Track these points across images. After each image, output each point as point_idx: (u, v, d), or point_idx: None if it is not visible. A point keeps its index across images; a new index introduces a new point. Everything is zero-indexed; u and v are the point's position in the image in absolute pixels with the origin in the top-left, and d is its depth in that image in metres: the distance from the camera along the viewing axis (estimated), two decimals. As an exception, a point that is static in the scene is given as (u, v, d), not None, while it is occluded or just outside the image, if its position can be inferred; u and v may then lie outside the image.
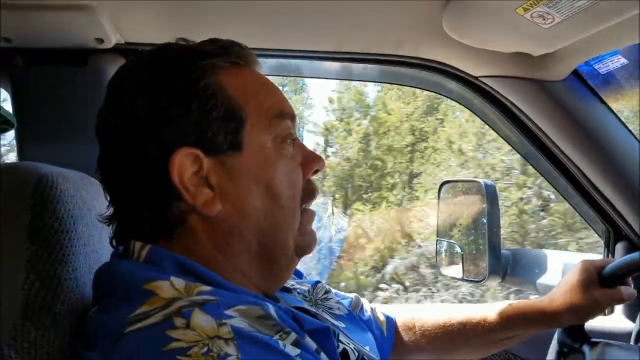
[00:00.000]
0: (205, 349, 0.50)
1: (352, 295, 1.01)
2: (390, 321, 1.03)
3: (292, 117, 0.72)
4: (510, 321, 1.00)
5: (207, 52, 0.67)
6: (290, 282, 0.87)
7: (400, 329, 1.04)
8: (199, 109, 0.64)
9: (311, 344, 0.61)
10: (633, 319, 1.30)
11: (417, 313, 1.06)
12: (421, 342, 1.02)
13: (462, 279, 1.52)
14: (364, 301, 1.02)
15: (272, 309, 0.60)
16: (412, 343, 1.02)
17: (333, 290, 0.98)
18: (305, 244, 0.73)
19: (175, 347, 0.50)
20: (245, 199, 0.66)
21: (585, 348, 0.99)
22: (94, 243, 0.75)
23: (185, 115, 0.63)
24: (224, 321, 0.54)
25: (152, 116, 0.63)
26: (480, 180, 1.42)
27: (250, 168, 0.66)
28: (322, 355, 0.62)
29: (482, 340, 1.02)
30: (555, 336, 1.05)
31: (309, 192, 0.74)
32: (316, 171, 0.75)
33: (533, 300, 1.03)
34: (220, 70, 0.67)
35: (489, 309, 1.02)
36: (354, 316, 0.91)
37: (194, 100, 0.64)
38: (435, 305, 1.08)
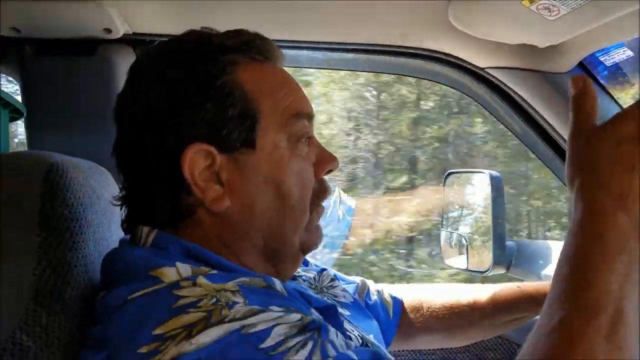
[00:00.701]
0: (214, 299, 0.52)
1: (358, 279, 1.02)
2: (397, 303, 1.03)
3: (309, 117, 0.72)
4: (518, 303, 1.01)
5: (228, 46, 0.67)
6: (297, 270, 0.88)
7: (407, 310, 1.04)
8: (215, 106, 0.64)
9: (317, 315, 0.62)
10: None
11: (424, 294, 1.06)
12: (429, 322, 1.03)
13: (466, 270, 1.52)
14: (371, 284, 1.03)
15: (278, 284, 0.61)
16: (419, 324, 1.03)
17: (339, 274, 0.98)
18: (311, 241, 0.74)
19: (185, 303, 0.52)
20: (254, 197, 0.66)
21: None
22: (103, 230, 0.77)
23: (201, 112, 0.64)
24: (229, 282, 0.56)
25: (169, 109, 0.63)
26: (485, 171, 1.42)
27: (262, 167, 0.66)
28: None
29: (489, 322, 1.03)
30: None
31: (321, 193, 0.74)
32: (329, 171, 0.75)
33: (542, 283, 1.03)
34: (239, 66, 0.66)
35: (497, 291, 1.02)
36: (359, 304, 0.92)
37: (210, 97, 0.64)
38: (443, 285, 1.09)
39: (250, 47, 0.68)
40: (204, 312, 0.51)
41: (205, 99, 0.64)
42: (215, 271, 0.60)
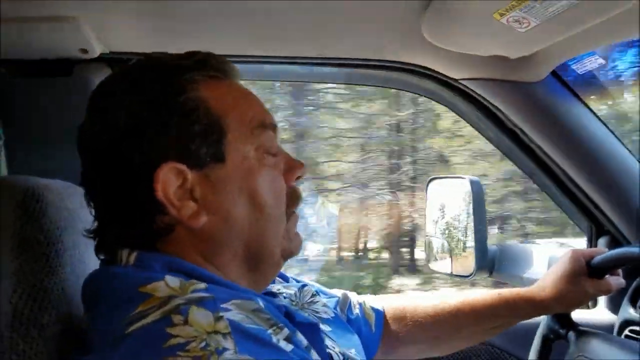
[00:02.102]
0: (203, 343, 0.52)
1: (340, 292, 1.02)
2: (379, 315, 1.03)
3: (273, 127, 0.73)
4: (499, 310, 1.02)
5: (184, 66, 0.68)
6: (277, 287, 0.89)
7: (390, 321, 1.04)
8: (181, 124, 0.64)
9: (302, 340, 0.63)
10: (615, 312, 1.32)
11: (407, 304, 1.07)
12: (413, 332, 1.03)
13: (450, 274, 1.54)
14: (353, 296, 1.03)
15: (262, 304, 0.62)
16: (403, 334, 1.03)
17: (320, 288, 0.99)
18: (291, 247, 0.75)
19: (175, 343, 0.52)
20: (229, 209, 0.67)
21: (571, 335, 1.01)
22: (81, 253, 0.76)
23: (167, 131, 0.64)
24: (220, 314, 0.55)
25: (135, 132, 0.64)
26: (466, 176, 1.43)
27: (233, 179, 0.67)
28: (312, 352, 0.64)
29: (473, 329, 1.04)
30: (542, 322, 1.08)
31: (294, 198, 0.75)
32: (299, 177, 0.77)
33: (522, 289, 1.04)
34: (199, 84, 0.67)
35: (479, 298, 1.03)
36: (340, 319, 0.92)
37: (174, 115, 0.64)
38: (426, 295, 1.09)
39: (206, 65, 0.69)
40: (192, 358, 0.51)
41: (169, 118, 0.64)
42: (203, 285, 0.60)
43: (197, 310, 0.55)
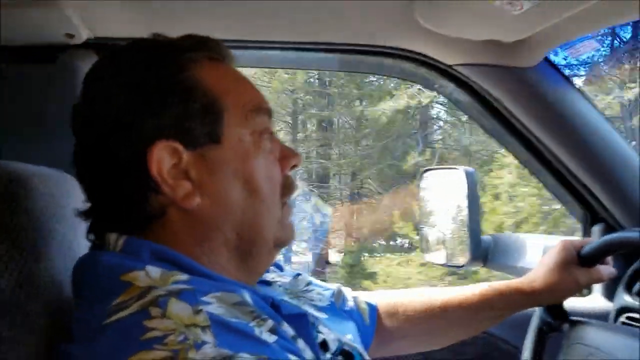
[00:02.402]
0: (182, 336, 0.51)
1: (334, 286, 1.02)
2: (372, 309, 1.03)
3: (269, 112, 0.73)
4: (490, 302, 1.01)
5: (183, 46, 0.68)
6: (271, 276, 0.88)
7: (383, 316, 1.04)
8: (177, 102, 0.64)
9: (288, 330, 0.62)
10: (611, 299, 1.32)
11: (399, 299, 1.07)
12: (405, 327, 1.03)
13: (445, 265, 1.54)
14: (346, 291, 1.02)
15: (248, 296, 0.61)
16: (395, 329, 1.03)
17: (314, 281, 0.98)
18: (284, 236, 0.74)
19: (152, 337, 0.51)
20: (224, 192, 0.66)
21: (565, 326, 1.00)
22: (69, 240, 0.75)
23: (163, 109, 0.64)
24: (200, 308, 0.54)
25: (131, 111, 0.63)
26: (460, 167, 1.43)
27: (229, 161, 0.67)
28: (300, 341, 0.63)
29: (463, 322, 1.04)
30: (534, 315, 1.07)
31: (288, 187, 0.75)
32: (294, 166, 0.76)
33: (513, 280, 1.04)
34: (197, 64, 0.67)
35: (469, 291, 1.03)
36: (335, 307, 0.92)
37: (171, 94, 0.64)
38: (416, 290, 1.09)
39: (205, 47, 0.70)
40: (170, 351, 0.50)
41: (166, 96, 0.64)
42: (185, 276, 0.59)
43: (176, 302, 0.54)
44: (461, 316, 1.02)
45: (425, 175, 1.57)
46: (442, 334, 1.06)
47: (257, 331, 0.56)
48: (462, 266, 1.46)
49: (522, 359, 1.06)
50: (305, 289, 0.90)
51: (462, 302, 1.02)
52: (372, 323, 1.01)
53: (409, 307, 1.04)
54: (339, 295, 0.99)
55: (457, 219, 1.48)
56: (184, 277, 0.59)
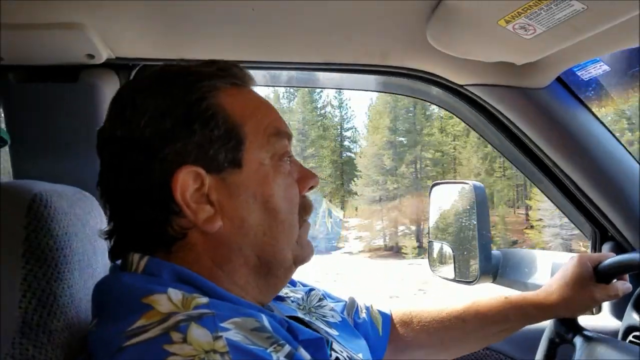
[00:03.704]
0: None
1: (347, 298, 1.03)
2: (386, 318, 1.04)
3: (288, 136, 0.75)
4: (506, 314, 1.02)
5: (206, 73, 0.70)
6: (284, 291, 0.89)
7: (397, 325, 1.05)
8: (201, 128, 0.66)
9: (305, 355, 0.63)
10: (620, 318, 1.32)
11: (414, 308, 1.07)
12: (419, 336, 1.04)
13: (454, 280, 1.54)
14: (359, 301, 1.03)
15: (266, 321, 0.62)
16: (410, 338, 1.04)
17: (327, 292, 0.99)
18: (303, 255, 0.76)
19: None
20: (245, 215, 0.68)
21: (577, 340, 1.00)
22: (89, 258, 0.77)
23: (187, 135, 0.66)
24: (219, 334, 0.55)
25: (156, 136, 0.65)
26: (469, 182, 1.44)
27: (249, 185, 0.69)
28: None
29: (479, 334, 1.05)
30: (548, 325, 1.07)
31: (305, 207, 0.77)
32: (311, 187, 0.78)
33: (529, 293, 1.05)
34: (219, 91, 0.69)
35: (486, 303, 1.04)
36: (348, 323, 0.93)
37: (195, 120, 0.66)
38: (432, 299, 1.09)
39: (227, 73, 0.72)
40: None
41: (190, 123, 0.66)
42: (205, 299, 0.60)
43: (196, 327, 0.55)
44: (477, 328, 1.03)
45: (434, 189, 1.58)
46: (456, 344, 1.07)
47: (274, 357, 0.57)
48: (472, 282, 1.45)
49: None
50: (318, 304, 0.92)
51: (479, 314, 1.03)
52: (386, 334, 1.02)
53: (425, 316, 1.05)
54: (351, 307, 1.00)
55: (466, 234, 1.48)
56: (204, 300, 0.60)
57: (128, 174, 0.66)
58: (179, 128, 0.65)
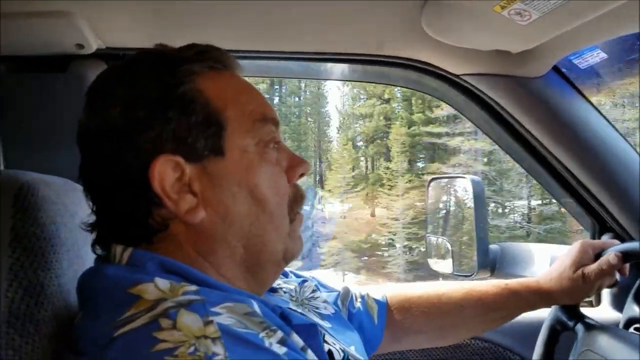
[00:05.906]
0: (192, 348, 0.51)
1: (341, 288, 1.01)
2: (382, 306, 1.02)
3: (275, 121, 0.71)
4: (506, 301, 1.02)
5: (184, 58, 0.67)
6: (277, 282, 0.87)
7: (395, 311, 1.03)
8: (178, 115, 0.63)
9: (298, 341, 0.62)
10: (620, 310, 1.31)
11: (412, 293, 1.06)
12: (418, 322, 1.02)
13: (452, 274, 1.53)
14: (354, 290, 1.02)
15: (257, 307, 0.61)
16: (408, 324, 1.02)
17: (321, 282, 0.98)
18: (294, 249, 0.73)
19: (162, 348, 0.51)
20: (228, 205, 0.66)
21: (579, 327, 1.00)
22: (78, 249, 0.76)
23: (163, 123, 0.63)
24: (210, 319, 0.54)
25: (131, 125, 0.63)
26: (467, 176, 1.43)
27: (232, 173, 0.66)
28: (309, 352, 0.62)
29: (479, 319, 1.04)
30: (550, 312, 1.07)
31: (297, 198, 0.74)
32: (301, 175, 0.75)
33: (529, 280, 1.04)
34: (198, 75, 0.66)
35: (485, 288, 1.03)
36: (341, 315, 0.91)
37: (171, 107, 0.63)
38: (431, 284, 1.08)
39: (206, 57, 0.68)
40: None
41: (166, 109, 0.63)
42: (194, 287, 0.58)
43: (186, 313, 0.54)
44: (477, 314, 1.02)
45: (432, 183, 1.57)
46: (455, 330, 1.06)
47: (267, 342, 0.56)
48: (469, 276, 1.45)
49: (533, 355, 1.06)
50: (310, 296, 0.90)
51: (479, 300, 1.02)
52: (381, 322, 1.01)
53: (423, 301, 1.03)
54: (345, 297, 0.98)
55: (463, 228, 1.47)
56: (193, 287, 0.59)
57: (105, 165, 0.64)
58: (153, 116, 0.63)
